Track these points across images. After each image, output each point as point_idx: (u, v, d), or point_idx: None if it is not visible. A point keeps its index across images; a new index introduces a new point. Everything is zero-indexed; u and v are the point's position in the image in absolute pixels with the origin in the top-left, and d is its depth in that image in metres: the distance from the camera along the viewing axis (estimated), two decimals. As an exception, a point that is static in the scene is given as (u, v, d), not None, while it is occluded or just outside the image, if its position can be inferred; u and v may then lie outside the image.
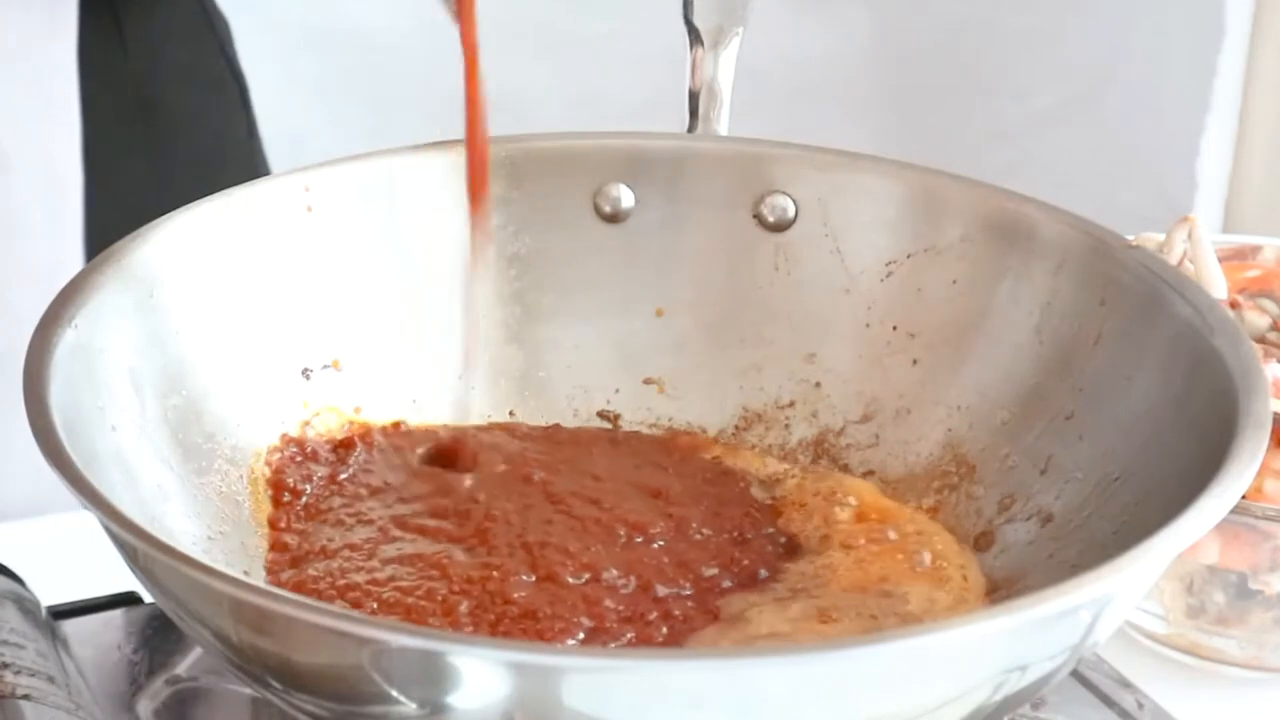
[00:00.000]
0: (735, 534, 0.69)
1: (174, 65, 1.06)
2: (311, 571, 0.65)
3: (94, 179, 0.99)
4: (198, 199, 0.71)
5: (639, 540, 0.67)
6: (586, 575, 0.65)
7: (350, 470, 0.71)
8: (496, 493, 0.69)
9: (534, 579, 0.64)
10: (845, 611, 0.64)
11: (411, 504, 0.69)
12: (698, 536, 0.68)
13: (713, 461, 0.74)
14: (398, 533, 0.67)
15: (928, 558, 0.68)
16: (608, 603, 0.63)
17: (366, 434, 0.73)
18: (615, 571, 0.65)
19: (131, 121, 1.04)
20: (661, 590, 0.65)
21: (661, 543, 0.67)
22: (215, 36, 1.08)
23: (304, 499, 0.69)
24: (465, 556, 0.65)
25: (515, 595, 0.63)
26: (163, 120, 1.05)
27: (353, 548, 0.66)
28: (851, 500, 0.71)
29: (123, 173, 1.02)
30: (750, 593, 0.66)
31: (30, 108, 0.97)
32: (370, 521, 0.68)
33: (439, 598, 0.63)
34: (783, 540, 0.70)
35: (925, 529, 0.70)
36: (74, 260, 0.98)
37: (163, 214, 0.70)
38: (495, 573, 0.64)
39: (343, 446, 0.72)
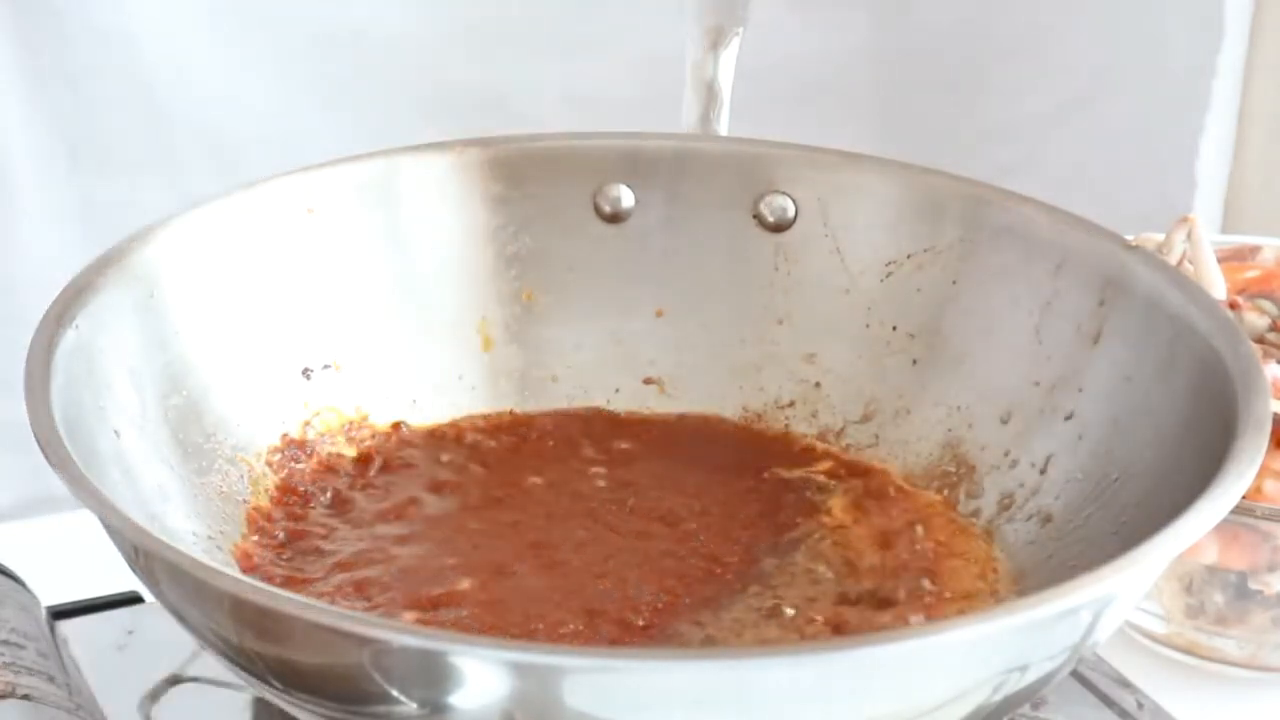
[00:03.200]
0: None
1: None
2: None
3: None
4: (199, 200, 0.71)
5: (717, 571, 0.66)
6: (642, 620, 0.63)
7: (369, 477, 0.71)
8: (566, 521, 0.68)
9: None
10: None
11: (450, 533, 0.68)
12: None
13: (774, 473, 0.73)
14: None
15: (947, 565, 0.68)
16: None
17: (384, 439, 0.73)
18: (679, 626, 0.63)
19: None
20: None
21: (731, 576, 0.66)
22: None
23: (304, 500, 0.69)
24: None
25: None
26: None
27: (349, 562, 0.66)
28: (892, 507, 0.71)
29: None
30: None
31: (27, 108, 0.97)
32: (370, 546, 0.67)
33: None
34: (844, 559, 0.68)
35: (953, 536, 0.70)
36: (74, 261, 0.98)
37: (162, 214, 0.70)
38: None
39: (361, 461, 0.72)
